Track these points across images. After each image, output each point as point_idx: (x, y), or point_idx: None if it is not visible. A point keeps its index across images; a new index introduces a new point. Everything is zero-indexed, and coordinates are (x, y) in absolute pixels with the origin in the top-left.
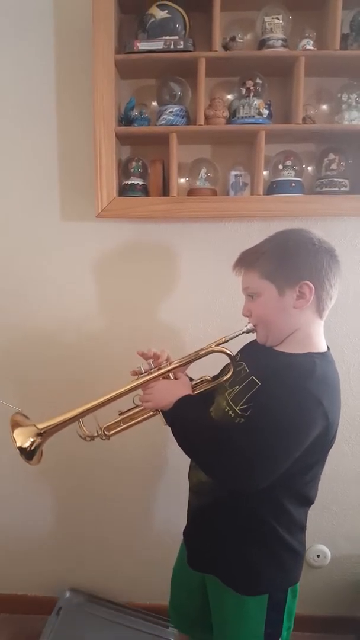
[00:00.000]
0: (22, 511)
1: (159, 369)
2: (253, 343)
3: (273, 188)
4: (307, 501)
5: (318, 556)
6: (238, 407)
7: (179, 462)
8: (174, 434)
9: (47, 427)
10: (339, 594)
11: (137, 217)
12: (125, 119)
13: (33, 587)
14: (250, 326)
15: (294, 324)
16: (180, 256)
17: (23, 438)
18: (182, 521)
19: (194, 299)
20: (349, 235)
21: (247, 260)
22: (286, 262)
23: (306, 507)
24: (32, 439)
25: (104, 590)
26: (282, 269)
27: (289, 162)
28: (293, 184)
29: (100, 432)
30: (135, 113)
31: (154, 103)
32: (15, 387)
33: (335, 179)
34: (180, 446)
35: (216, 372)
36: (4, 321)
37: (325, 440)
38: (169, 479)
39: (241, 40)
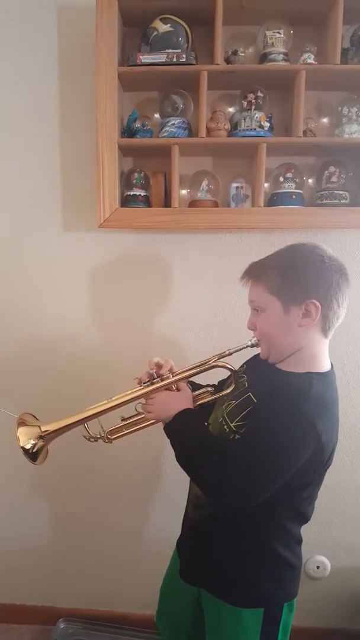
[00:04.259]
0: (20, 521)
1: (162, 380)
2: (258, 356)
3: (274, 200)
4: (303, 518)
5: (318, 567)
6: (233, 424)
7: (177, 472)
8: (172, 447)
9: (49, 430)
10: (339, 606)
11: (139, 227)
12: (127, 131)
13: (31, 597)
14: (254, 340)
15: (298, 342)
16: (181, 267)
17: (25, 438)
18: (180, 531)
19: (195, 310)
20: (349, 248)
21: (255, 273)
22: (293, 279)
23: (302, 523)
24: (33, 441)
25: (104, 602)
26: (289, 285)
27: (289, 175)
28: (293, 196)
29: (103, 435)
30: (137, 125)
31: (156, 115)
32: (16, 397)
33: (336, 192)
34: (177, 460)
35: (220, 377)
36: (6, 332)
37: (319, 462)
38: (167, 489)
39: (243, 54)
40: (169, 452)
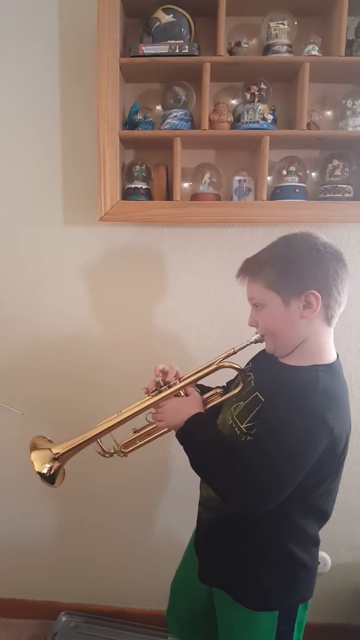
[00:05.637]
0: (23, 517)
1: (169, 387)
2: (264, 351)
3: (277, 194)
4: (323, 515)
5: (319, 563)
6: (243, 425)
7: (181, 470)
8: (186, 453)
9: (60, 452)
10: (340, 602)
11: (140, 221)
12: (129, 123)
13: (32, 592)
14: (257, 336)
15: (302, 334)
16: (183, 261)
17: (40, 463)
18: (182, 529)
19: (198, 305)
20: (353, 242)
21: (250, 270)
22: (290, 272)
23: (322, 522)
24: (48, 465)
25: (104, 597)
26: (286, 278)
27: (292, 168)
28: (297, 190)
29: (117, 449)
30: (139, 117)
31: (159, 107)
32: (17, 396)
33: (339, 185)
34: (191, 465)
35: (229, 377)
36: (6, 327)
37: (333, 455)
38: (170, 486)
39: (246, 46)
40: (174, 450)
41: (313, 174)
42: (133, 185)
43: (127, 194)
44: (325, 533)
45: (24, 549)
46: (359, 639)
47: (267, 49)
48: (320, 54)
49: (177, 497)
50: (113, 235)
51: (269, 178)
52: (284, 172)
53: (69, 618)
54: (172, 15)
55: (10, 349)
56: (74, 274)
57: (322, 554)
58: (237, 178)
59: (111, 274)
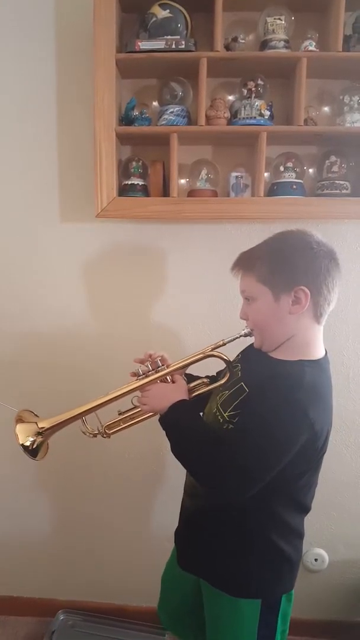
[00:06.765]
0: (20, 514)
1: (156, 372)
2: (253, 345)
3: (274, 190)
4: (302, 508)
5: (316, 560)
6: (226, 414)
7: (178, 467)
8: (168, 439)
9: (46, 427)
10: (337, 599)
11: (137, 217)
12: (125, 119)
13: (29, 589)
14: (247, 330)
15: (290, 330)
16: (180, 258)
17: (24, 436)
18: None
19: (195, 301)
20: (350, 239)
21: (245, 264)
22: (282, 267)
23: (302, 514)
24: (32, 438)
25: (101, 594)
26: (278, 274)
27: (290, 164)
28: (294, 186)
29: (101, 430)
30: (135, 113)
31: (155, 103)
32: (14, 392)
33: (337, 182)
34: (172, 452)
35: (218, 368)
36: (3, 324)
37: (313, 449)
38: (167, 483)
39: (243, 41)
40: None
41: (310, 170)
42: (129, 182)
43: (124, 191)
44: (322, 530)
45: (20, 546)
46: (357, 636)
47: (264, 45)
48: (318, 50)
49: (175, 494)
50: (110, 232)
51: (266, 174)
52: (281, 169)
53: (66, 616)
54: (168, 10)
55: (8, 345)
56: (71, 271)
57: (320, 551)
58: (234, 174)
59: (108, 271)
